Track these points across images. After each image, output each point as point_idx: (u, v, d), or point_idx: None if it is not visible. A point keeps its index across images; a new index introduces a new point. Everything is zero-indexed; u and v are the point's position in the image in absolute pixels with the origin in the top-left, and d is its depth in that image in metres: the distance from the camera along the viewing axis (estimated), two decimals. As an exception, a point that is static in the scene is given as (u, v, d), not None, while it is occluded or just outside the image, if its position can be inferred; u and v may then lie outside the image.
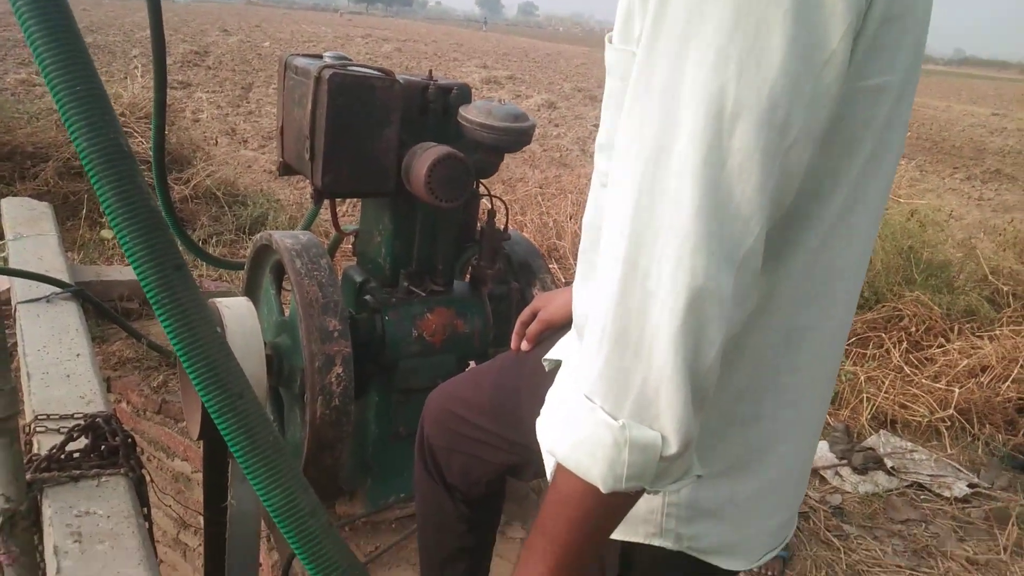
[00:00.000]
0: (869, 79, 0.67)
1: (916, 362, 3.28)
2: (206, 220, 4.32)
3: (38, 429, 1.29)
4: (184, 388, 1.61)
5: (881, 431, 2.89)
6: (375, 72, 1.76)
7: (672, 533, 0.85)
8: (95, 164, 0.65)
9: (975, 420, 2.96)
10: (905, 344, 3.37)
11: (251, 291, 2.16)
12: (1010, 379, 3.05)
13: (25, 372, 1.48)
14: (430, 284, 1.99)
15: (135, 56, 11.94)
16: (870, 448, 2.75)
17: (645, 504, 0.82)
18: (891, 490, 2.56)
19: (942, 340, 3.40)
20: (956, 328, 3.47)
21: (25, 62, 9.74)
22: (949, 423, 2.95)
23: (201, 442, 1.49)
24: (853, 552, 2.27)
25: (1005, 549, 2.31)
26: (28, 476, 1.13)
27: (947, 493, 2.57)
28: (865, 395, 3.02)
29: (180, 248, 0.97)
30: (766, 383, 0.80)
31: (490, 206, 2.03)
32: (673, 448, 0.65)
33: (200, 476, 1.74)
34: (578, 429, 0.67)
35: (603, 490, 0.67)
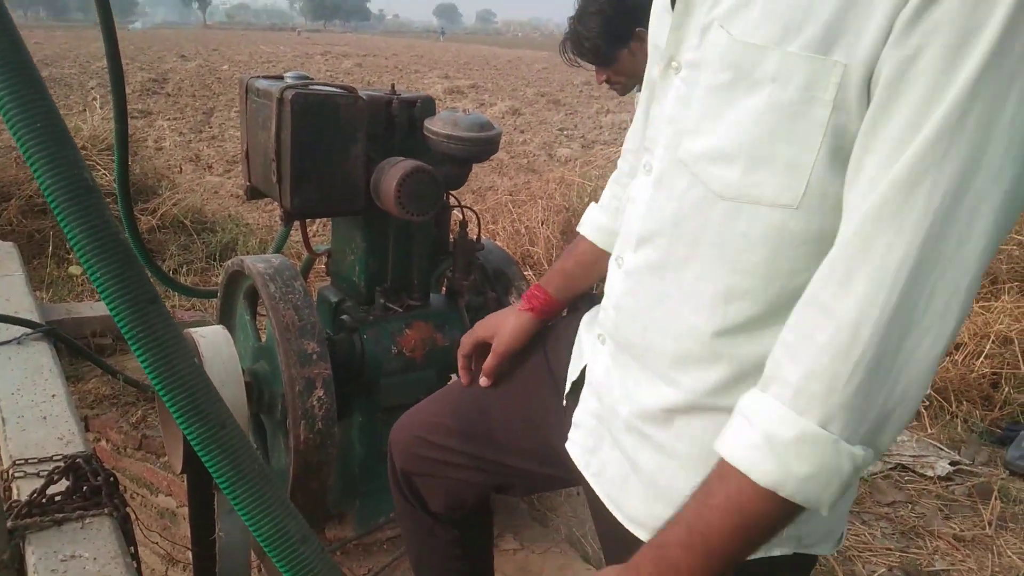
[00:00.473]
0: None
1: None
2: (175, 249, 4.27)
3: (16, 475, 1.26)
4: (164, 422, 1.59)
5: (862, 415, 2.93)
6: (337, 90, 1.76)
7: (794, 539, 0.86)
8: (60, 200, 0.65)
9: (952, 398, 3.00)
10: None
11: (225, 318, 2.13)
12: (983, 355, 3.10)
13: (0, 417, 1.45)
14: (406, 299, 1.98)
15: (92, 87, 11.82)
16: (853, 432, 2.78)
17: None
18: (875, 473, 2.59)
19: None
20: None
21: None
22: (927, 402, 2.99)
23: (184, 476, 1.47)
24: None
25: (990, 523, 2.35)
26: (9, 523, 1.10)
27: (930, 472, 2.60)
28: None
29: (152, 279, 0.95)
30: None
31: (461, 217, 2.03)
32: (871, 462, 0.68)
33: (186, 511, 1.72)
34: (813, 461, 0.67)
35: (823, 513, 0.68)
